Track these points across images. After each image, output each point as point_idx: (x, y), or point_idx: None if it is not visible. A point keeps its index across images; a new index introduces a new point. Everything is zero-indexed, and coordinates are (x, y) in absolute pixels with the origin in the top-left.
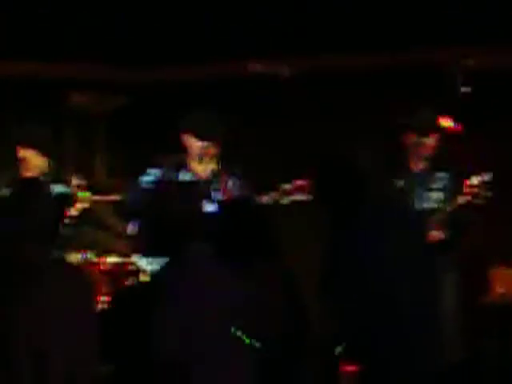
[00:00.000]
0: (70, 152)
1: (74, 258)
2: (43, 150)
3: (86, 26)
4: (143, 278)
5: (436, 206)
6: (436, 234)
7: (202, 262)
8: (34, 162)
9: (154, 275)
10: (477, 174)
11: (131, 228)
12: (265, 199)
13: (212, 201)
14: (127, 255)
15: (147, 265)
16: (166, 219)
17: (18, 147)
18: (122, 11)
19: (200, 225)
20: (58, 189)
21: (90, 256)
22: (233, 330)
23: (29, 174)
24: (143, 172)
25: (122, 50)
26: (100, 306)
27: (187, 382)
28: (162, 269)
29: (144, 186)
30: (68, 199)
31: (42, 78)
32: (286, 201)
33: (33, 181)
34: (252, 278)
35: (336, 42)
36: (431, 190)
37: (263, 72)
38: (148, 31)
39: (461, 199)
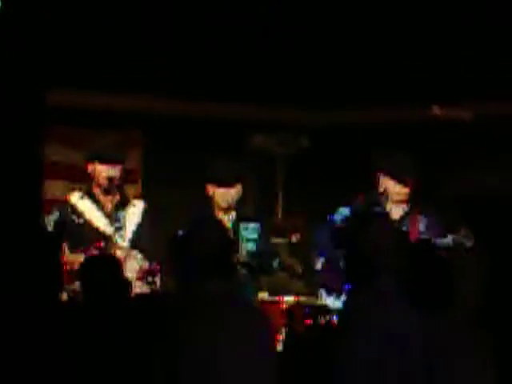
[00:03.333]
0: (251, 193)
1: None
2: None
3: (272, 70)
4: (326, 316)
5: None
6: None
7: (390, 300)
8: (218, 197)
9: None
10: None
11: (319, 263)
12: (447, 241)
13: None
14: (304, 295)
15: (333, 301)
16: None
17: (207, 185)
18: (305, 56)
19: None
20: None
21: (268, 295)
22: None
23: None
24: (330, 212)
25: (306, 92)
26: (279, 346)
27: None
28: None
29: (335, 224)
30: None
31: (224, 119)
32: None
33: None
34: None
35: None
36: None
37: (445, 116)
38: (327, 75)
39: None
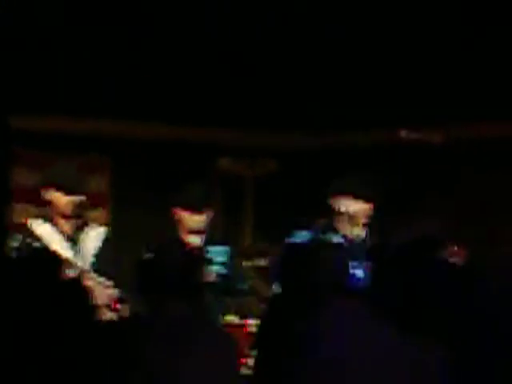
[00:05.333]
0: (219, 216)
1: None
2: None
3: (242, 94)
4: None
5: None
6: None
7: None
8: (188, 222)
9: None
10: None
11: (275, 288)
12: None
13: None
14: None
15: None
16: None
17: (174, 209)
18: (278, 82)
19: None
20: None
21: (235, 318)
22: None
23: (184, 236)
24: (291, 234)
25: (274, 116)
26: (243, 369)
27: None
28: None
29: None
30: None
31: (192, 143)
32: None
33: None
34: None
35: (491, 110)
36: None
37: (415, 139)
38: (295, 100)
39: None
